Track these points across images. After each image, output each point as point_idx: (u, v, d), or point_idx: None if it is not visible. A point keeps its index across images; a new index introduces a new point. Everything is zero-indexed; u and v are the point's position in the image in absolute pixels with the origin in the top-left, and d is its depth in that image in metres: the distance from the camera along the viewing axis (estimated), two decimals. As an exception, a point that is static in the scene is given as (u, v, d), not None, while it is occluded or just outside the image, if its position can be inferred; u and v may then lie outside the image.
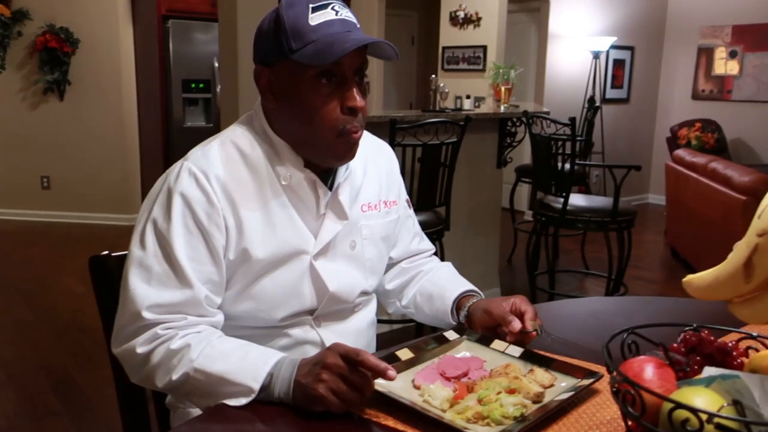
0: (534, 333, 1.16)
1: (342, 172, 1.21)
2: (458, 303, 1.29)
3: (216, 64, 5.47)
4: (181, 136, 5.48)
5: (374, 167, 1.31)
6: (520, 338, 1.15)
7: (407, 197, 1.42)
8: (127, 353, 1.06)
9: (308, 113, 1.10)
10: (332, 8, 1.09)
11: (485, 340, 1.17)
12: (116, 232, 5.34)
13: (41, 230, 5.55)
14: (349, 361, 0.94)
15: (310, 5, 1.08)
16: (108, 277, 1.22)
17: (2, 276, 4.38)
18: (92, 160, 5.72)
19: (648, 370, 0.79)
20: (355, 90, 1.10)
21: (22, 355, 3.18)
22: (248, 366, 0.99)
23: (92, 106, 5.66)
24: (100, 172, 5.72)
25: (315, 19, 1.07)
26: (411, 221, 1.43)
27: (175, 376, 1.01)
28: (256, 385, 0.97)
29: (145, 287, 1.04)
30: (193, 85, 5.56)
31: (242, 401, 0.97)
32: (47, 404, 2.71)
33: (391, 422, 0.93)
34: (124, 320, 1.06)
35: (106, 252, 1.24)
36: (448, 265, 1.45)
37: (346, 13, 1.10)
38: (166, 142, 5.56)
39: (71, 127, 5.69)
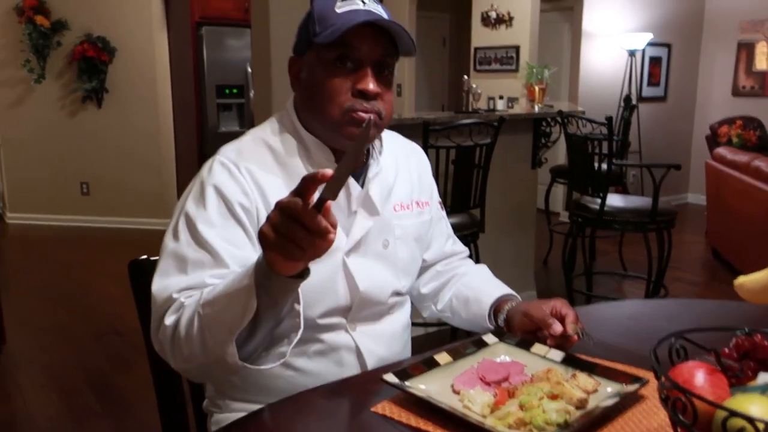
0: (575, 337, 1.13)
1: (373, 168, 1.21)
2: (496, 307, 1.27)
3: (249, 70, 5.52)
4: (215, 141, 5.54)
5: (406, 168, 1.31)
6: (560, 342, 1.13)
7: (439, 199, 1.41)
8: (162, 334, 1.02)
9: (321, 95, 1.11)
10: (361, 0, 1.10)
11: (525, 344, 1.14)
12: (153, 236, 5.41)
13: (80, 235, 5.66)
14: (297, 194, 0.81)
15: None
16: (147, 281, 1.23)
17: (43, 280, 4.47)
18: (129, 166, 5.83)
19: (699, 377, 0.76)
20: (369, 75, 1.10)
21: (63, 357, 3.24)
22: (239, 274, 0.94)
23: (129, 113, 5.76)
24: (137, 178, 5.82)
25: (342, 7, 1.09)
26: (444, 223, 1.42)
27: (192, 327, 0.96)
28: (249, 280, 0.89)
29: (179, 276, 1.04)
30: (226, 91, 5.62)
31: (250, 306, 0.90)
32: (87, 405, 2.75)
33: (430, 427, 0.91)
34: (157, 308, 1.04)
35: (144, 256, 1.25)
36: (483, 268, 1.43)
37: (373, 5, 1.11)
38: (201, 147, 5.63)
39: (109, 134, 5.80)
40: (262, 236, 0.84)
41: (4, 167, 5.91)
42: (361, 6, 1.09)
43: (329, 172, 0.79)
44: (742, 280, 0.85)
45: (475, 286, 1.34)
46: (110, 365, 3.13)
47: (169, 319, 1.01)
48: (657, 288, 3.61)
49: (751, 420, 0.65)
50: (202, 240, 1.05)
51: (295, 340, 0.96)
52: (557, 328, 1.12)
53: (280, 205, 0.82)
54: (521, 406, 0.92)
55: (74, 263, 4.86)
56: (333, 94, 1.10)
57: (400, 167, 1.29)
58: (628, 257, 4.64)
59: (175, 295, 1.02)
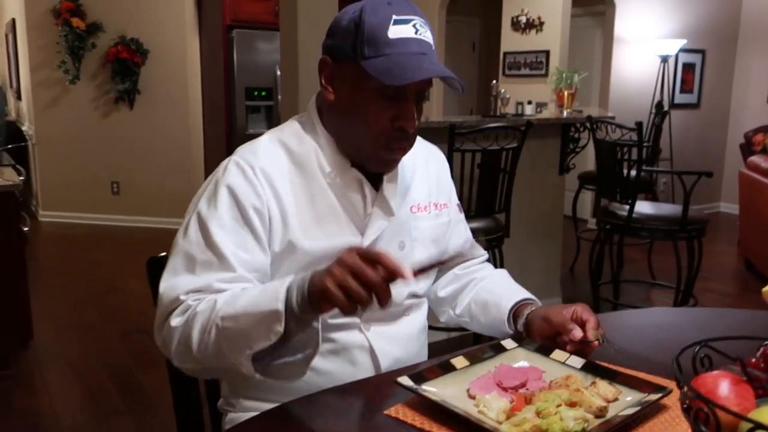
0: (596, 343, 1.10)
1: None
2: (515, 311, 1.25)
3: (278, 73, 5.55)
4: (243, 142, 5.45)
5: (424, 169, 1.30)
6: (580, 347, 1.10)
7: (458, 202, 1.39)
8: (165, 332, 1.05)
9: (359, 118, 1.10)
10: (413, 25, 1.07)
11: (544, 350, 1.12)
12: (180, 236, 5.47)
13: (110, 234, 5.74)
14: (366, 260, 0.91)
15: (394, 17, 1.06)
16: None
17: (71, 278, 4.54)
18: (159, 166, 5.90)
19: (723, 387, 0.73)
20: (412, 111, 1.09)
21: (88, 354, 3.28)
22: (267, 293, 0.97)
23: (160, 115, 5.84)
24: (167, 178, 5.89)
25: (394, 32, 1.06)
26: (462, 226, 1.40)
27: (207, 335, 0.99)
28: (280, 305, 0.93)
29: (188, 276, 1.06)
30: (255, 93, 5.66)
31: (275, 331, 0.93)
32: (111, 403, 2.78)
33: (426, 425, 0.90)
34: (163, 308, 1.06)
35: (163, 254, 1.25)
36: (503, 272, 1.41)
37: (425, 34, 1.09)
38: (229, 149, 5.66)
39: (140, 135, 5.88)
40: (325, 290, 0.90)
41: (38, 166, 6.03)
42: (413, 34, 1.07)
43: (410, 274, 0.92)
44: (771, 287, 0.81)
45: (495, 290, 1.31)
46: (135, 363, 3.16)
47: (175, 321, 1.03)
48: (686, 298, 3.53)
49: (776, 433, 0.62)
50: (211, 242, 1.06)
51: (314, 358, 1.00)
52: (577, 333, 1.10)
53: (354, 268, 0.90)
54: (538, 413, 0.89)
55: (103, 262, 4.93)
56: (372, 123, 1.09)
57: (418, 168, 1.28)
58: (657, 266, 4.56)
59: (182, 297, 1.04)
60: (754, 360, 0.79)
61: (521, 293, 1.29)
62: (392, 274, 0.91)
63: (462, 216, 1.40)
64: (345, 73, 1.11)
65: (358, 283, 0.89)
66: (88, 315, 3.83)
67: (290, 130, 1.19)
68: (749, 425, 0.64)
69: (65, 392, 2.88)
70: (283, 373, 1.01)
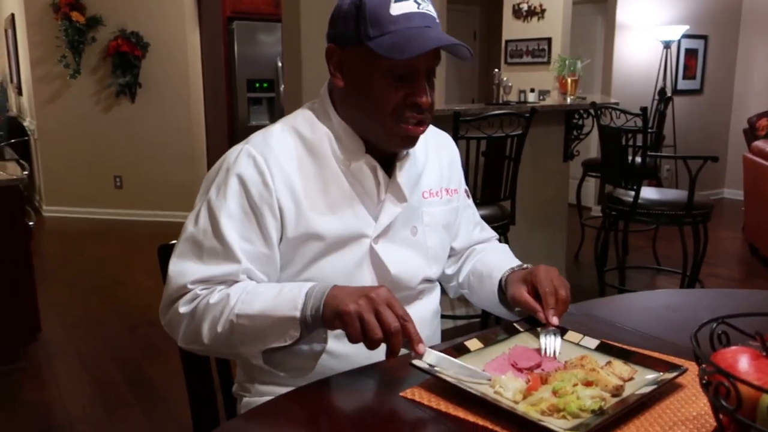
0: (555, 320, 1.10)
1: (401, 155, 1.19)
2: (505, 281, 1.24)
3: (279, 64, 5.54)
4: (245, 134, 5.43)
5: (435, 155, 1.30)
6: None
7: (466, 187, 1.39)
8: (173, 315, 1.08)
9: (373, 101, 1.09)
10: (414, 0, 1.07)
11: (558, 332, 1.12)
12: (184, 229, 5.47)
13: (114, 228, 5.75)
14: (393, 308, 0.94)
15: None
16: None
17: (77, 272, 4.55)
18: (162, 160, 5.90)
19: (743, 361, 0.73)
20: (423, 88, 1.09)
21: (96, 347, 3.29)
22: (285, 297, 1.00)
23: (162, 108, 5.83)
24: (170, 171, 5.89)
25: (396, 9, 1.06)
26: (470, 211, 1.40)
27: (220, 328, 1.02)
28: (297, 313, 0.97)
29: (195, 262, 1.08)
30: (257, 85, 5.65)
31: (291, 335, 0.98)
32: (120, 395, 2.79)
33: (461, 413, 0.89)
34: (171, 292, 1.08)
35: (174, 242, 1.25)
36: (502, 246, 1.41)
37: (427, 7, 1.09)
38: (232, 142, 5.66)
39: (142, 128, 5.87)
40: (345, 312, 0.94)
41: (40, 161, 6.03)
42: (415, 8, 1.07)
43: (423, 350, 0.96)
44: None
45: (489, 262, 1.31)
46: (142, 356, 3.17)
47: (183, 308, 1.06)
48: (692, 283, 3.52)
49: (799, 405, 0.62)
50: (218, 230, 1.07)
51: (321, 355, 1.04)
52: (541, 316, 1.11)
53: (379, 308, 0.93)
54: (555, 393, 0.89)
55: (108, 256, 4.94)
56: (385, 104, 1.08)
57: (430, 155, 1.28)
58: (662, 252, 4.55)
59: (190, 286, 1.06)
60: (772, 336, 0.79)
61: (510, 263, 1.28)
62: (409, 337, 0.95)
63: (470, 201, 1.40)
64: (353, 58, 1.10)
65: (378, 323, 0.93)
66: (95, 308, 3.83)
67: (303, 117, 1.19)
68: (771, 398, 0.64)
69: (74, 385, 2.89)
70: (292, 366, 1.04)
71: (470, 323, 3.35)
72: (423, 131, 1.13)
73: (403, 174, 1.19)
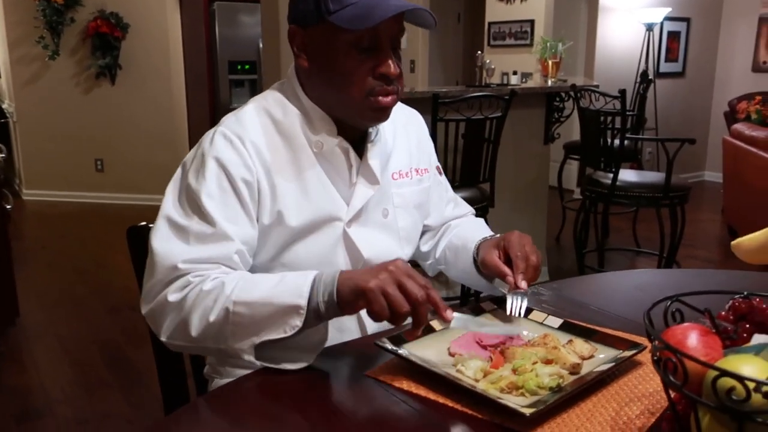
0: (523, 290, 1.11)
1: (371, 137, 1.19)
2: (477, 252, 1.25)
3: (261, 46, 5.49)
4: (228, 117, 5.54)
5: (404, 135, 1.29)
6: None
7: (437, 164, 1.39)
8: (157, 305, 1.01)
9: (340, 77, 1.08)
10: None
11: (526, 295, 1.13)
12: (167, 212, 5.45)
13: (95, 212, 5.72)
14: (413, 279, 0.92)
15: None
16: (145, 248, 1.23)
17: (58, 255, 4.53)
18: (143, 142, 5.85)
19: (692, 338, 0.75)
20: (389, 57, 1.08)
21: (77, 329, 3.29)
22: (289, 285, 0.96)
23: (142, 90, 5.78)
24: (151, 154, 5.85)
25: None
26: (443, 188, 1.40)
27: (212, 317, 0.96)
28: (303, 301, 0.93)
29: (182, 245, 1.02)
30: (239, 67, 5.61)
31: (292, 325, 0.93)
32: (100, 377, 2.80)
33: (422, 392, 0.91)
34: (159, 276, 1.01)
35: (143, 223, 1.25)
36: (477, 220, 1.42)
37: None
38: (214, 124, 5.58)
39: (123, 111, 5.82)
40: (367, 290, 0.90)
41: (20, 144, 5.96)
42: None
43: (451, 316, 0.96)
44: (739, 241, 0.83)
45: (464, 236, 1.31)
46: (123, 338, 3.17)
47: (172, 296, 0.99)
48: (669, 264, 3.57)
49: (740, 379, 0.63)
50: (205, 214, 1.03)
51: (320, 349, 0.98)
52: (510, 280, 1.11)
53: (401, 280, 0.91)
54: (514, 371, 0.91)
55: (89, 239, 4.91)
56: (353, 78, 1.07)
57: (398, 135, 1.27)
58: (643, 234, 4.60)
59: (180, 266, 1.00)
60: (723, 313, 0.81)
61: (483, 233, 1.29)
62: (435, 305, 0.93)
63: (442, 178, 1.40)
64: (316, 36, 1.09)
65: (402, 294, 0.90)
66: (76, 291, 3.82)
67: (273, 98, 1.17)
68: (715, 373, 0.66)
69: (54, 368, 2.89)
70: (285, 360, 0.97)
71: (450, 305, 3.37)
72: (394, 102, 1.12)
73: (374, 155, 1.19)
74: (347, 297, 0.93)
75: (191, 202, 1.05)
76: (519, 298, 1.10)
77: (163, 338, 1.03)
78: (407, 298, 0.90)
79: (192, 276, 1.00)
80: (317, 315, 0.95)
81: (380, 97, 1.09)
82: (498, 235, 1.25)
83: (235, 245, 1.04)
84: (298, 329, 0.93)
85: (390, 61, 1.08)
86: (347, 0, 1.03)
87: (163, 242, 1.03)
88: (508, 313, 1.09)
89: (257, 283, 0.98)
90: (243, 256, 1.06)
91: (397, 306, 0.90)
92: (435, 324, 1.08)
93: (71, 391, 2.68)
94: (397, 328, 1.02)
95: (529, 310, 1.13)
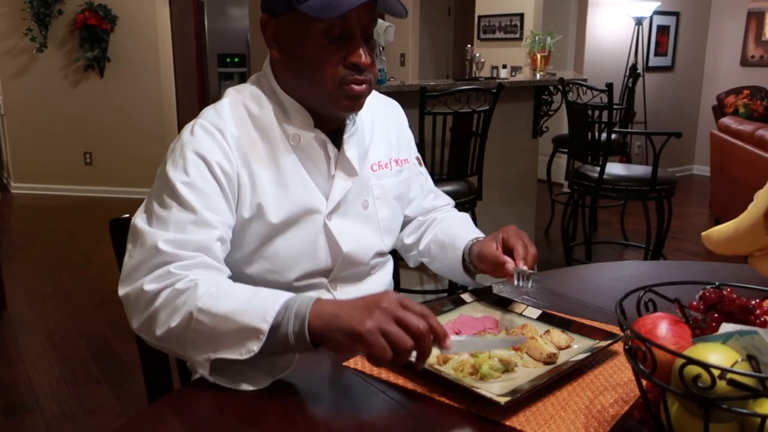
0: (519, 283, 1.11)
1: (349, 128, 1.19)
2: (469, 251, 1.26)
3: (250, 38, 5.48)
4: (217, 110, 5.53)
5: (383, 125, 1.29)
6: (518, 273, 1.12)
7: (417, 155, 1.39)
8: (133, 292, 0.97)
9: (311, 66, 1.08)
10: None
11: (503, 303, 1.15)
12: (156, 206, 5.44)
13: (84, 205, 5.69)
14: (411, 311, 0.85)
15: None
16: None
17: (47, 249, 4.51)
18: (132, 135, 5.83)
19: (662, 327, 0.76)
20: (360, 47, 1.07)
21: (64, 323, 3.28)
22: (257, 305, 0.90)
23: (131, 82, 5.75)
24: (140, 148, 5.82)
25: None
26: (423, 178, 1.40)
27: (175, 321, 0.92)
28: (265, 326, 0.86)
29: (162, 231, 1.01)
30: (228, 60, 5.60)
31: (249, 349, 0.86)
32: (87, 372, 2.79)
33: (401, 381, 0.92)
34: (139, 258, 0.99)
35: (126, 215, 1.25)
36: (462, 215, 1.42)
37: None
38: (203, 117, 5.62)
39: (111, 104, 5.79)
40: (362, 334, 0.82)
41: (8, 137, 5.93)
42: None
43: (450, 344, 0.85)
44: (709, 232, 0.84)
45: (452, 232, 1.32)
46: (111, 333, 3.16)
47: (149, 285, 0.96)
48: (656, 257, 3.60)
49: (706, 366, 0.64)
50: (186, 203, 1.02)
51: (280, 376, 0.92)
52: (510, 266, 1.11)
53: (398, 315, 0.83)
54: (472, 354, 0.93)
55: (78, 233, 4.89)
56: (324, 68, 1.07)
57: (377, 125, 1.27)
58: (631, 227, 4.62)
59: (162, 246, 0.97)
60: (694, 303, 0.82)
61: (473, 233, 1.30)
62: (435, 334, 0.85)
63: (422, 169, 1.40)
64: (287, 25, 1.09)
65: (403, 330, 0.83)
66: (64, 285, 3.81)
67: (250, 93, 1.16)
68: (682, 361, 0.67)
69: (41, 362, 2.88)
70: (242, 378, 0.92)
71: (438, 298, 3.38)
72: (366, 91, 1.11)
73: (351, 147, 1.19)
74: (339, 339, 0.85)
75: (171, 192, 1.04)
76: (524, 274, 1.10)
77: (133, 326, 1.00)
78: (409, 332, 0.83)
79: (174, 267, 0.97)
80: (284, 346, 0.88)
81: (352, 86, 1.08)
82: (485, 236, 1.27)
83: (216, 232, 1.03)
84: (253, 354, 0.87)
85: (361, 51, 1.07)
86: None
87: (144, 224, 1.03)
88: (515, 284, 1.09)
89: (228, 294, 0.93)
90: (224, 243, 1.06)
91: (401, 343, 0.82)
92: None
93: (59, 385, 2.68)
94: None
95: (509, 302, 1.14)
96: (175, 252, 0.98)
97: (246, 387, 0.90)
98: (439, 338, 0.85)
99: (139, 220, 1.04)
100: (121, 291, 1.00)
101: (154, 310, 0.95)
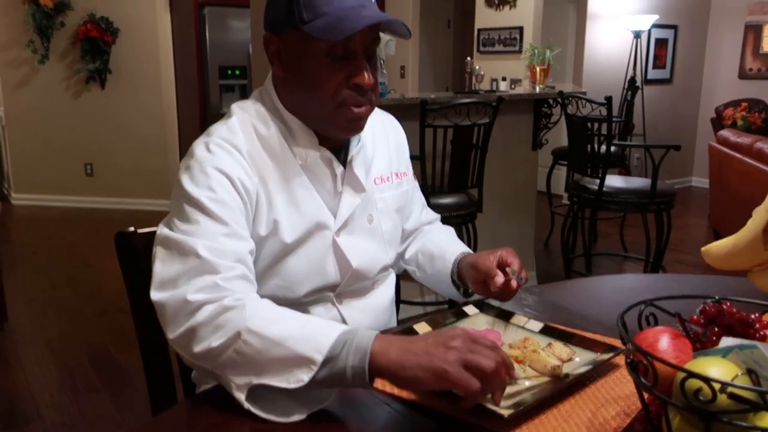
0: (514, 282, 1.13)
1: (354, 145, 1.20)
2: (458, 263, 1.28)
3: (252, 51, 5.51)
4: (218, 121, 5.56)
5: (383, 139, 1.30)
6: (505, 290, 1.14)
7: (412, 169, 1.41)
8: (173, 300, 0.93)
9: (313, 85, 1.08)
10: None
11: (504, 315, 1.16)
12: (157, 216, 5.42)
13: (85, 216, 5.70)
14: (477, 342, 0.85)
15: None
16: (133, 254, 1.24)
17: (48, 258, 4.52)
18: (133, 147, 5.85)
19: (663, 341, 0.77)
20: (363, 68, 1.08)
21: (65, 333, 3.28)
22: (310, 334, 0.87)
23: (132, 94, 5.78)
24: (141, 158, 5.84)
25: None
26: (418, 193, 1.43)
27: (218, 340, 0.88)
28: (319, 357, 0.84)
29: (198, 239, 0.98)
30: (229, 72, 5.62)
31: (298, 378, 0.84)
32: (87, 380, 2.80)
33: (404, 393, 0.93)
34: (178, 265, 0.96)
35: (131, 229, 1.26)
36: (448, 228, 1.45)
37: None
38: (204, 129, 5.61)
39: (112, 115, 5.82)
40: (451, 371, 0.81)
41: (9, 148, 5.95)
42: None
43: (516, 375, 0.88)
44: (709, 247, 0.85)
45: (440, 244, 1.34)
46: (112, 342, 3.17)
47: (193, 296, 0.92)
48: (656, 269, 3.61)
49: (707, 380, 0.66)
50: (215, 216, 1.00)
51: (317, 407, 0.90)
52: (499, 280, 1.13)
53: (474, 348, 0.83)
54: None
55: (78, 243, 4.90)
56: (326, 88, 1.07)
57: (378, 140, 1.29)
58: (630, 239, 4.64)
59: (202, 253, 0.95)
60: (695, 317, 0.83)
61: (462, 247, 1.33)
62: (506, 366, 0.84)
63: (416, 183, 1.43)
64: (290, 44, 1.09)
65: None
66: (65, 295, 3.81)
67: (255, 111, 1.15)
68: (684, 375, 0.68)
69: (42, 371, 2.88)
70: (277, 407, 0.88)
71: (439, 310, 3.39)
72: (367, 112, 1.12)
73: (358, 163, 1.20)
74: (417, 375, 0.83)
75: (198, 207, 1.01)
76: (519, 277, 1.13)
77: (169, 337, 0.95)
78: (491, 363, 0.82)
79: (221, 280, 0.94)
80: (338, 380, 0.85)
81: (353, 107, 1.09)
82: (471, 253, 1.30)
83: (248, 244, 1.03)
84: (302, 384, 0.84)
85: (364, 72, 1.08)
86: (320, 10, 1.03)
87: (176, 233, 1.00)
88: (512, 284, 1.11)
89: (280, 319, 0.91)
90: (253, 256, 1.05)
91: (486, 369, 0.81)
92: (418, 328, 1.09)
93: (59, 395, 2.68)
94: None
95: (510, 314, 1.15)
96: (217, 261, 0.96)
97: (277, 419, 0.87)
98: (508, 369, 0.85)
99: (166, 230, 1.02)
100: (157, 296, 0.96)
101: (196, 324, 0.91)
